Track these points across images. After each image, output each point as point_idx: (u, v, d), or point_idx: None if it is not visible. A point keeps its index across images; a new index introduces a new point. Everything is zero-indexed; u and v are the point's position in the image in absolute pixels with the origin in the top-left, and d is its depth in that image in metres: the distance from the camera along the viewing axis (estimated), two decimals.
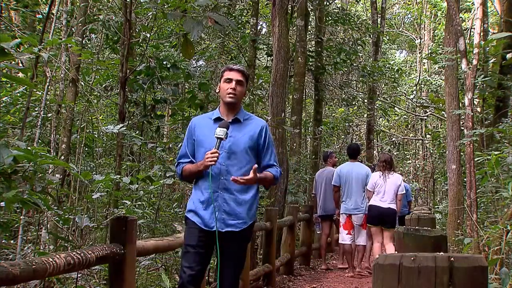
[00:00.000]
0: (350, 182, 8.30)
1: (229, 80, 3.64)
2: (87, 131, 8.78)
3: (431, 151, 21.51)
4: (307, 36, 14.09)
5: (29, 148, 3.33)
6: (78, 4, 8.18)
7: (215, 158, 3.44)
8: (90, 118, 9.20)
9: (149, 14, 9.78)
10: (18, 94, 8.10)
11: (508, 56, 8.87)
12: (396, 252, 2.01)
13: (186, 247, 3.54)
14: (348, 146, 9.15)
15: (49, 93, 7.67)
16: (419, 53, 25.29)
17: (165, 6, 7.15)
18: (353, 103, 17.79)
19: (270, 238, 7.18)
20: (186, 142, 3.75)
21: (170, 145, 9.97)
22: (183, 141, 3.86)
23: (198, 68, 9.48)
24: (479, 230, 6.44)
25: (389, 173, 7.97)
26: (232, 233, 3.51)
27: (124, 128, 6.10)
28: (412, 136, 24.99)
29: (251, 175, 3.47)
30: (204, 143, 3.62)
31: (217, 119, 3.66)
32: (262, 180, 3.63)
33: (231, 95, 3.62)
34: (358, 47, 15.85)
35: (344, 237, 8.44)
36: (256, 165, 3.52)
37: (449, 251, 4.42)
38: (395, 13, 28.42)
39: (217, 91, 3.80)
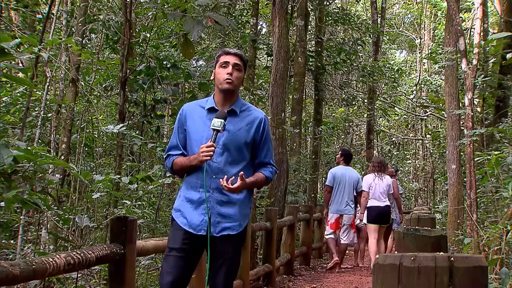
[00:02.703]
0: (343, 184, 8.74)
1: (226, 64, 3.22)
2: (87, 131, 8.78)
3: (431, 151, 21.53)
4: (307, 36, 14.09)
5: (29, 148, 3.33)
6: (78, 4, 8.19)
7: (211, 153, 3.07)
8: (90, 118, 9.20)
9: (149, 14, 9.79)
10: (18, 94, 8.11)
11: (508, 56, 8.86)
12: (395, 252, 2.01)
13: (169, 250, 3.19)
14: (345, 152, 9.42)
15: (49, 93, 7.67)
16: (419, 53, 25.31)
17: (165, 6, 7.15)
18: (353, 103, 17.79)
19: (270, 238, 7.18)
20: (177, 132, 3.32)
21: None
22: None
23: (198, 68, 9.47)
24: (479, 230, 6.44)
25: (383, 175, 8.52)
26: (227, 237, 3.17)
27: (124, 128, 6.10)
28: (412, 136, 25.00)
29: (238, 183, 3.10)
30: (195, 135, 3.24)
31: (211, 109, 3.25)
32: (252, 185, 3.26)
33: (228, 81, 3.19)
34: (358, 47, 15.85)
35: (329, 234, 8.95)
36: (242, 173, 3.13)
37: (449, 251, 4.42)
38: (395, 13, 28.42)
39: (211, 78, 3.37)
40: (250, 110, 3.33)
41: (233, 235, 3.19)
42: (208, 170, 3.14)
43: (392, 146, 24.55)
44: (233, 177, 3.14)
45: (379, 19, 17.74)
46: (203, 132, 3.20)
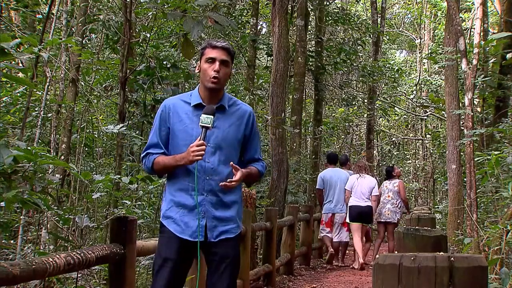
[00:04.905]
0: (334, 186, 9.31)
1: (212, 60, 2.97)
2: (87, 131, 8.79)
3: (431, 151, 21.53)
4: (307, 36, 14.09)
5: (29, 148, 3.33)
6: (78, 4, 8.19)
7: (203, 152, 2.85)
8: (90, 118, 9.21)
9: (149, 14, 9.79)
10: (18, 94, 8.11)
11: (508, 56, 8.87)
12: (395, 251, 2.02)
13: (163, 261, 2.95)
14: (328, 155, 10.22)
15: (49, 93, 7.67)
16: (419, 53, 25.29)
17: (165, 6, 7.15)
18: (353, 103, 17.79)
19: (270, 238, 7.18)
20: (158, 129, 3.06)
21: None
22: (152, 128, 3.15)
23: None
24: (479, 230, 6.44)
25: (363, 175, 9.04)
26: (227, 241, 2.99)
27: (124, 128, 6.10)
28: (412, 136, 24.99)
29: (238, 175, 2.93)
30: (183, 134, 3.00)
31: (198, 106, 3.02)
32: (248, 177, 3.05)
33: (214, 80, 2.96)
34: (358, 47, 15.84)
35: (324, 232, 9.46)
36: (232, 163, 2.97)
37: (449, 251, 4.42)
38: (395, 13, 28.40)
39: (196, 71, 3.13)
40: (238, 104, 3.14)
41: (231, 238, 3.02)
42: (200, 171, 2.93)
43: (392, 146, 24.54)
44: (227, 177, 2.97)
45: (379, 19, 17.74)
46: (192, 130, 2.98)
